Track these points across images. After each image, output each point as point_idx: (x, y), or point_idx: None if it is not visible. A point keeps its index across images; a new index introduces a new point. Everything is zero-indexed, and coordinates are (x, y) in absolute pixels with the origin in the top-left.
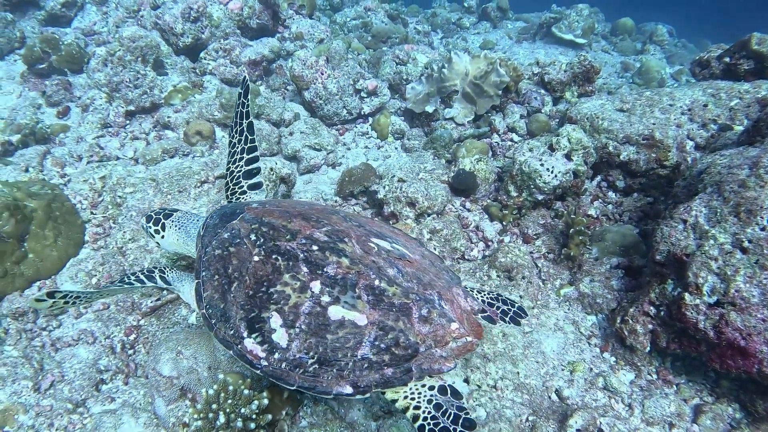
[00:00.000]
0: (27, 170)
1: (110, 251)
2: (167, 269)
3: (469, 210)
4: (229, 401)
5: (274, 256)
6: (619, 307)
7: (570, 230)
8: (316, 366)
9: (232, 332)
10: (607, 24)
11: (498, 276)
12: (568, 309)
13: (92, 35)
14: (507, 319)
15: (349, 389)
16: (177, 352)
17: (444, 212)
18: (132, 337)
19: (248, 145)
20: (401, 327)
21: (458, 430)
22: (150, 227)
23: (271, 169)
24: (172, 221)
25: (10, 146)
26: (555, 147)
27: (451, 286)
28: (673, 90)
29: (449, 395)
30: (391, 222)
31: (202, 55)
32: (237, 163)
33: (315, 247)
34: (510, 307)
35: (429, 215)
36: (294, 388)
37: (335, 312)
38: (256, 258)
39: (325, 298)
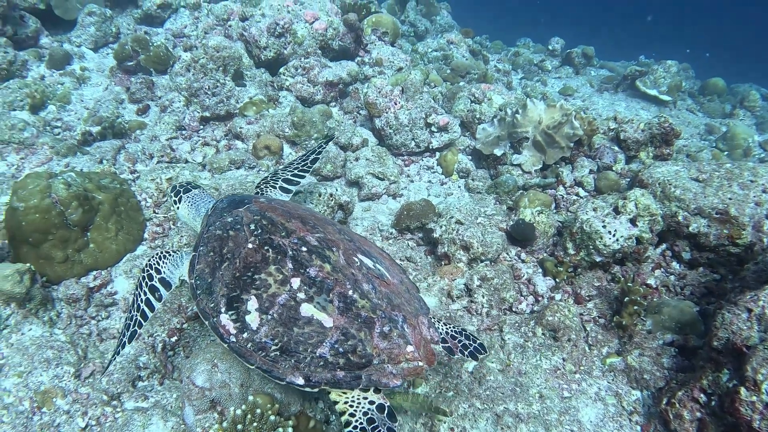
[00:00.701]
0: (101, 162)
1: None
2: (164, 263)
3: (523, 261)
4: (255, 424)
5: (266, 248)
6: (667, 387)
7: (625, 298)
8: (278, 353)
9: (212, 305)
10: (696, 81)
11: (543, 334)
12: (613, 380)
13: (181, 37)
14: (466, 353)
15: (301, 381)
16: (213, 365)
17: (497, 260)
18: (174, 339)
19: (303, 166)
20: (361, 337)
21: None
22: (171, 197)
23: (331, 195)
24: (188, 197)
25: (90, 137)
26: (621, 210)
27: (418, 313)
28: (757, 165)
29: (385, 415)
30: (443, 263)
31: (281, 70)
32: (286, 170)
33: (304, 249)
34: (471, 342)
35: (482, 261)
36: (253, 367)
37: (306, 309)
38: (250, 245)
39: (301, 295)
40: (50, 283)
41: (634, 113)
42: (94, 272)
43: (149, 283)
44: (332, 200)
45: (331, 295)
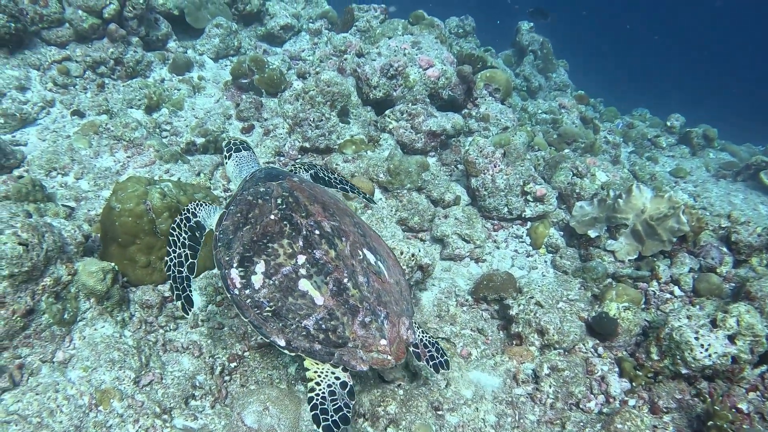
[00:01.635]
0: (198, 174)
1: None
2: (199, 210)
3: (599, 356)
4: None
5: (285, 222)
6: None
7: (709, 421)
8: (270, 314)
9: (227, 258)
10: None
11: None
12: None
13: (297, 60)
14: (430, 364)
15: (282, 342)
16: (265, 407)
17: (572, 350)
18: (233, 365)
19: (339, 183)
20: (344, 321)
21: (333, 417)
22: (224, 150)
23: (413, 255)
24: (237, 156)
25: (193, 147)
26: (719, 324)
27: (402, 314)
28: None
29: (345, 392)
30: (514, 342)
31: (387, 112)
32: (329, 174)
33: (317, 232)
34: (440, 357)
35: (555, 349)
36: (246, 321)
37: (304, 284)
38: (272, 216)
39: (303, 271)
40: (130, 284)
41: (751, 207)
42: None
43: (187, 224)
44: (413, 260)
45: (328, 278)
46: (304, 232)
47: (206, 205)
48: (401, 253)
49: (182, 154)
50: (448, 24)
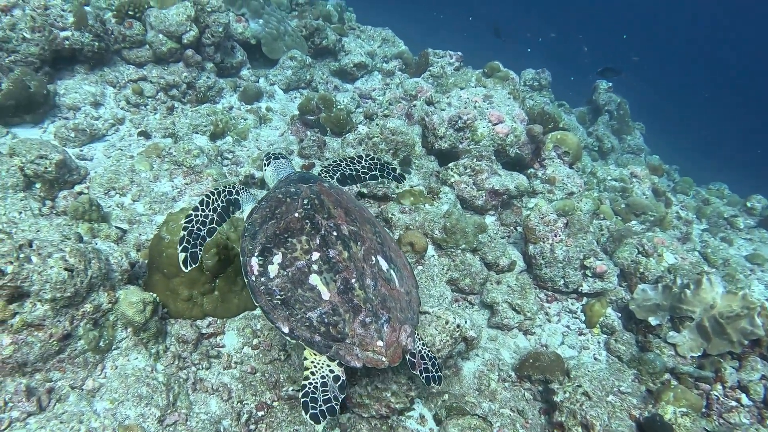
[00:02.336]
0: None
1: None
2: (242, 193)
3: None
4: None
5: (306, 221)
6: None
7: None
8: (279, 302)
9: (250, 248)
10: None
11: None
12: None
13: (367, 99)
14: (423, 376)
15: (286, 329)
16: None
17: None
18: (260, 414)
19: (363, 173)
20: (345, 318)
21: (322, 407)
22: (264, 159)
23: (458, 326)
24: (276, 163)
25: (252, 180)
26: None
27: (405, 322)
28: None
29: (338, 385)
30: (555, 431)
31: (450, 165)
32: (355, 166)
33: (335, 233)
34: (434, 372)
35: None
36: (257, 305)
37: (314, 279)
38: (296, 215)
39: (315, 267)
40: (169, 315)
41: None
42: (210, 319)
43: (227, 196)
44: (458, 331)
45: (337, 276)
46: (323, 232)
47: (246, 191)
48: (446, 323)
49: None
50: (523, 76)
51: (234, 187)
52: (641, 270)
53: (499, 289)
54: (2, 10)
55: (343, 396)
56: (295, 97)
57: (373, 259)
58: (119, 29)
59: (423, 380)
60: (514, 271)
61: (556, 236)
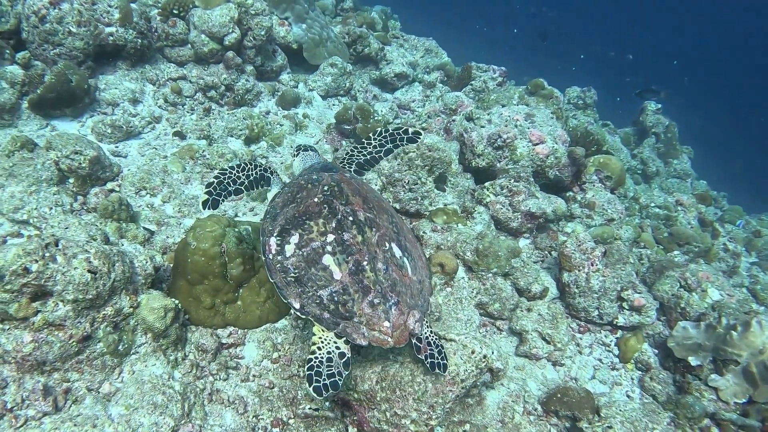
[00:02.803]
0: None
1: (300, 335)
2: (275, 176)
3: None
4: None
5: (325, 206)
6: None
7: None
8: (292, 279)
9: (270, 228)
10: None
11: None
12: None
13: (406, 110)
14: (428, 362)
15: (297, 305)
16: None
17: None
18: (275, 430)
19: (377, 154)
20: (354, 298)
21: (325, 381)
22: (294, 151)
23: (484, 357)
24: (304, 154)
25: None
26: None
27: (415, 308)
28: None
29: (342, 362)
30: None
31: (486, 185)
32: (367, 149)
33: (350, 218)
34: (440, 359)
35: None
36: (272, 281)
37: (327, 259)
38: (315, 199)
39: (329, 248)
40: (190, 322)
41: None
42: (231, 329)
43: (261, 171)
44: (484, 362)
45: (350, 258)
46: (339, 216)
47: (279, 178)
48: (472, 353)
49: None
50: (568, 93)
51: (270, 167)
52: (682, 305)
53: (530, 317)
54: (51, 3)
55: (347, 372)
56: (334, 105)
57: (387, 245)
58: (163, 27)
59: (428, 365)
60: (546, 299)
61: (592, 265)
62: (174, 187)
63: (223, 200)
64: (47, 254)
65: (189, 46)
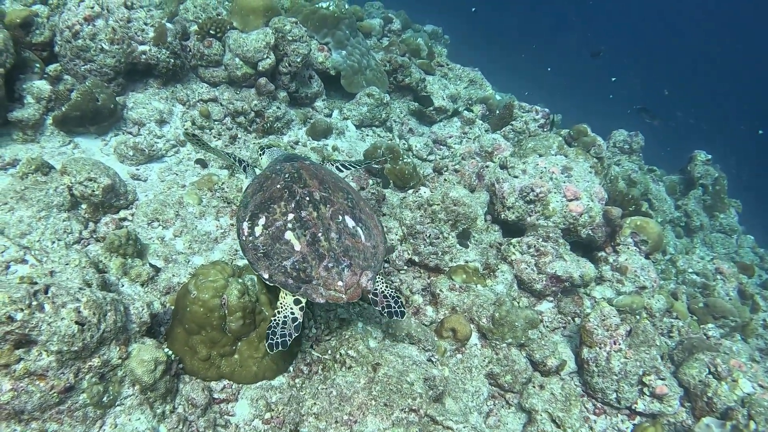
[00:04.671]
0: None
1: (296, 397)
2: (249, 168)
3: None
4: None
5: (286, 190)
6: None
7: None
8: (262, 255)
9: (243, 215)
10: None
11: None
12: None
13: (441, 146)
14: (385, 312)
15: (266, 275)
16: None
17: None
18: None
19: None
20: (312, 264)
21: (278, 340)
22: (258, 151)
23: None
24: (270, 151)
25: None
26: None
27: (368, 268)
28: None
29: (294, 326)
30: None
31: (513, 241)
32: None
33: (307, 198)
34: (398, 308)
35: None
36: (246, 258)
37: (288, 235)
38: (278, 186)
39: (290, 225)
40: (184, 372)
41: None
42: (226, 382)
43: (244, 165)
44: None
45: (307, 231)
46: (298, 198)
47: (254, 171)
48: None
49: None
50: (614, 137)
51: (249, 164)
52: (710, 394)
53: (541, 396)
54: (86, 19)
55: (296, 334)
56: (367, 135)
57: (341, 218)
58: (199, 46)
59: (386, 315)
60: (564, 371)
61: (615, 344)
62: (187, 221)
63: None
64: (35, 303)
65: (223, 67)
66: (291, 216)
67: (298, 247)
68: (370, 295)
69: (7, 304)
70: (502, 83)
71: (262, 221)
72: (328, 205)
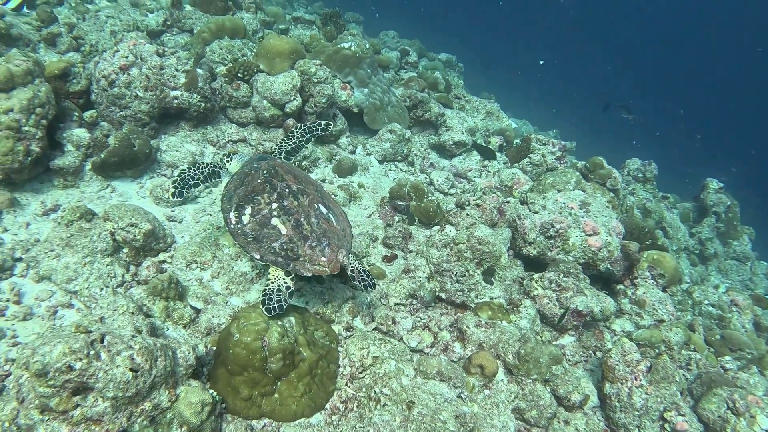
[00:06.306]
0: (326, 304)
1: None
2: (227, 167)
3: None
4: None
5: (267, 184)
6: None
7: None
8: (251, 239)
9: (228, 206)
10: None
11: None
12: None
13: (462, 179)
14: (361, 285)
15: (258, 256)
16: None
17: None
18: None
19: (298, 142)
20: (298, 244)
21: (275, 305)
22: (224, 158)
23: None
24: (237, 156)
25: None
26: None
27: (342, 247)
28: None
29: (288, 293)
30: None
31: (535, 276)
32: (291, 140)
33: (287, 190)
34: (369, 281)
35: None
36: (237, 243)
37: (275, 221)
38: (259, 180)
39: (275, 213)
40: (227, 411)
41: None
42: (266, 420)
43: (213, 168)
44: None
45: (291, 218)
46: (278, 190)
47: (228, 172)
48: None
49: None
50: (628, 165)
51: (218, 165)
52: (729, 430)
53: (567, 431)
54: (121, 68)
55: (290, 299)
56: (390, 170)
57: (316, 206)
58: (227, 89)
59: (361, 287)
60: (587, 406)
61: (636, 379)
62: (224, 262)
63: (186, 191)
64: (92, 352)
65: (251, 108)
66: (275, 205)
67: (284, 231)
68: (348, 272)
69: (67, 355)
70: (518, 105)
71: (248, 211)
72: (305, 195)
